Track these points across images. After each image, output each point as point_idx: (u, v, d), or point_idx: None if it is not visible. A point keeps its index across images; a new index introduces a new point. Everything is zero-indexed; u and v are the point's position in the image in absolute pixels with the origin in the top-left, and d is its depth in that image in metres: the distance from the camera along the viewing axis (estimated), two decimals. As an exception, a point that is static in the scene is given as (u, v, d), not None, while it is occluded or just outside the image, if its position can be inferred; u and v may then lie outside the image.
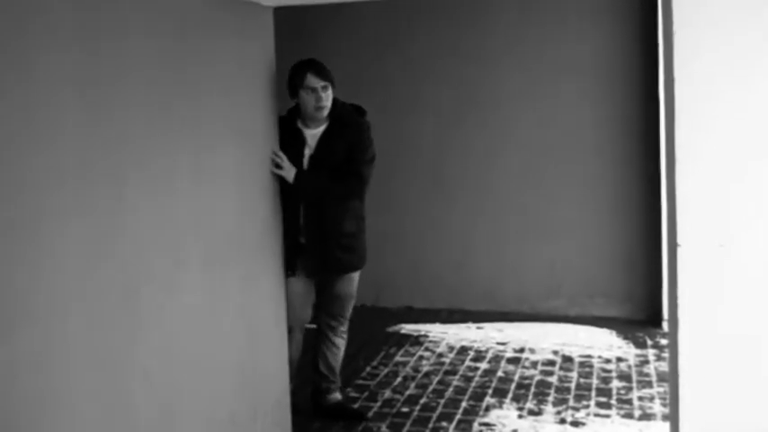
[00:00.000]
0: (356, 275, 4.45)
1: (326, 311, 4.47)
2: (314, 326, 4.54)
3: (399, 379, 5.22)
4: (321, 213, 4.23)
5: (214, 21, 3.32)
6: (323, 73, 4.14)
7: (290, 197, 4.08)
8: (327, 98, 4.15)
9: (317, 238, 4.24)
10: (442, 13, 6.70)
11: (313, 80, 4.11)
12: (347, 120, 4.26)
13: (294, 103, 4.20)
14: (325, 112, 4.18)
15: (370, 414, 4.61)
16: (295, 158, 4.09)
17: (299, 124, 4.22)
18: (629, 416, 4.54)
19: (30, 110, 2.27)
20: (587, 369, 5.32)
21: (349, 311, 4.51)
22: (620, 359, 5.50)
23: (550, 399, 4.82)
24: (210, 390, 3.26)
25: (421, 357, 5.64)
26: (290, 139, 4.10)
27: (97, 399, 2.55)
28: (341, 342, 4.52)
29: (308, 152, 4.20)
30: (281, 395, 3.98)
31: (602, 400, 4.79)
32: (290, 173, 4.03)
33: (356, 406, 4.72)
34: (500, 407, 4.72)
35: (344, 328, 4.52)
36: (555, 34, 6.50)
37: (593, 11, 6.44)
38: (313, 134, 4.22)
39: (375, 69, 6.88)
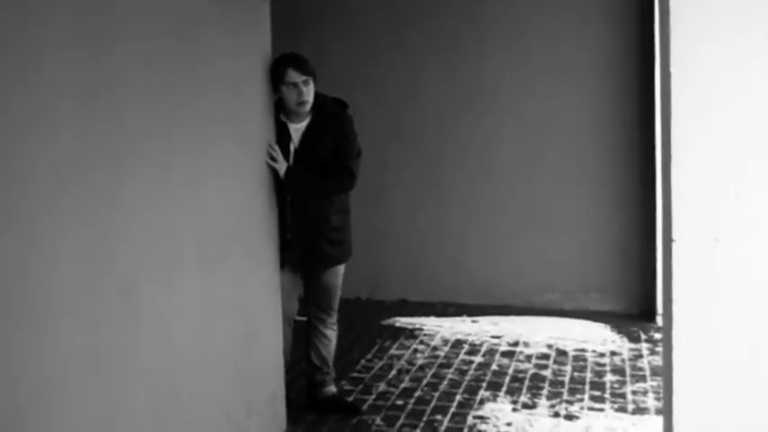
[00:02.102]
0: (342, 267, 4.47)
1: (315, 304, 4.48)
2: (304, 318, 4.55)
3: (394, 372, 5.23)
4: (308, 208, 4.25)
5: (211, 15, 3.31)
6: (304, 67, 4.10)
7: (277, 192, 4.08)
8: (309, 93, 4.12)
9: (305, 233, 4.25)
10: (440, 7, 6.69)
11: (294, 75, 4.06)
12: (330, 114, 4.24)
13: (277, 97, 4.16)
14: (308, 107, 4.16)
15: (365, 407, 4.62)
16: (282, 153, 4.09)
17: (283, 118, 4.20)
18: (622, 410, 4.56)
19: (28, 109, 2.27)
20: (581, 363, 5.33)
21: (337, 303, 4.53)
22: (614, 353, 5.52)
23: (544, 392, 4.84)
24: (206, 384, 3.26)
25: (416, 350, 5.65)
26: (276, 134, 4.09)
27: (95, 396, 2.56)
28: (332, 333, 4.53)
29: (293, 147, 4.20)
30: (277, 389, 3.99)
31: (596, 393, 4.80)
32: (281, 167, 4.03)
33: (351, 399, 4.73)
34: (494, 400, 4.73)
35: (334, 319, 4.54)
36: (553, 31, 6.50)
37: (591, 10, 6.45)
38: (296, 128, 4.22)
39: (371, 64, 6.87)
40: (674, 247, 2.36)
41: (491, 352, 5.58)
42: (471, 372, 5.20)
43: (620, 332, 5.98)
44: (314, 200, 4.25)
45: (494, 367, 5.28)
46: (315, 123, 4.23)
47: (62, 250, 2.40)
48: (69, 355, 2.43)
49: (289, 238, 4.22)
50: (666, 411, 2.53)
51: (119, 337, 2.67)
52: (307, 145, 4.20)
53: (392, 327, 6.22)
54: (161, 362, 2.92)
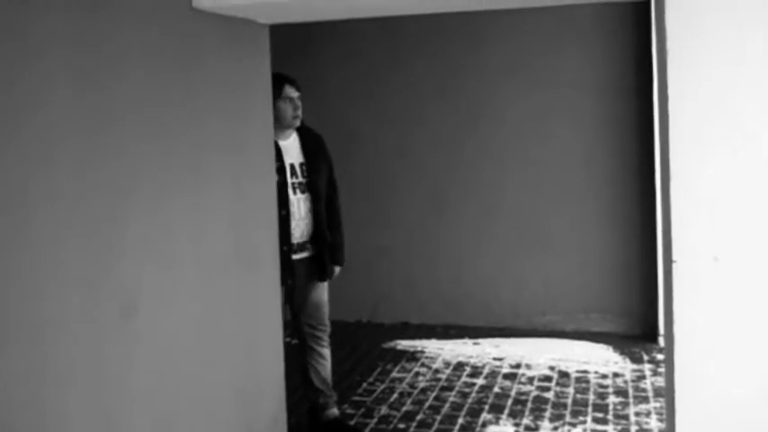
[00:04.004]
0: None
1: (309, 323, 4.52)
2: (294, 341, 4.57)
3: (396, 395, 5.21)
4: (318, 222, 4.45)
5: (209, 38, 3.33)
6: (296, 84, 4.42)
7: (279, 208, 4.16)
8: (301, 108, 4.42)
9: (318, 247, 4.45)
10: (440, 30, 6.73)
11: (291, 90, 4.35)
12: (309, 131, 4.54)
13: None
14: (299, 122, 4.43)
15: (367, 431, 4.60)
16: (277, 169, 4.20)
17: None
18: (625, 431, 4.53)
19: (24, 120, 2.28)
20: (584, 384, 5.32)
21: (328, 318, 4.63)
22: (616, 374, 5.50)
23: (547, 414, 4.82)
24: (206, 406, 3.25)
25: (417, 373, 5.63)
26: None
27: (93, 414, 2.55)
28: (327, 352, 4.58)
29: (288, 161, 4.35)
30: (278, 412, 3.97)
31: (599, 415, 4.78)
32: (336, 268, 4.54)
33: (353, 422, 4.71)
34: (497, 423, 4.71)
35: (327, 335, 4.61)
36: (552, 52, 6.54)
37: (590, 31, 6.49)
38: (285, 144, 4.37)
39: (372, 86, 6.91)
40: (675, 267, 2.36)
41: (493, 374, 5.56)
42: (473, 394, 5.18)
43: (622, 353, 5.96)
44: (321, 214, 4.46)
45: (496, 390, 5.26)
46: (304, 140, 4.48)
47: (59, 265, 2.39)
48: (67, 372, 2.42)
49: (294, 258, 4.31)
50: (669, 432, 2.51)
51: (118, 354, 2.66)
52: (312, 161, 4.44)
53: (393, 349, 6.21)
54: (160, 379, 2.91)
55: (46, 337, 2.34)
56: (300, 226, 4.36)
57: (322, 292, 4.54)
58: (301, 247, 4.39)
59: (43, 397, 2.34)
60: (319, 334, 4.54)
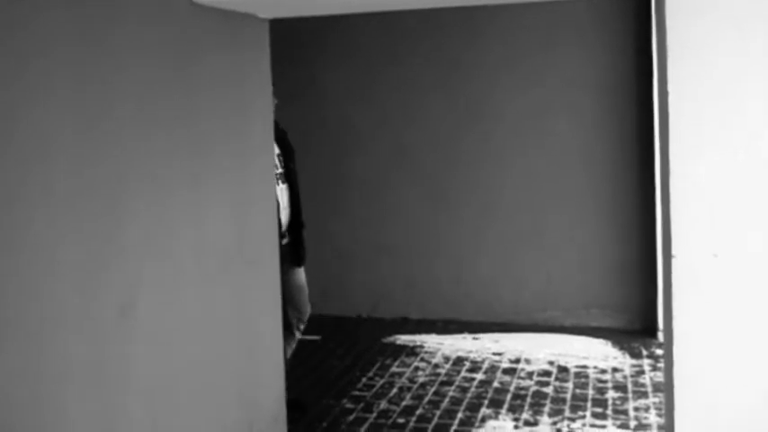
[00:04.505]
0: None
1: (295, 305, 4.68)
2: None
3: (395, 390, 5.21)
4: (297, 210, 4.67)
5: (209, 33, 3.33)
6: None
7: None
8: (275, 102, 4.54)
9: (297, 234, 4.66)
10: (439, 27, 6.72)
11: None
12: (279, 126, 4.65)
13: None
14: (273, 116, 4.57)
15: (366, 425, 4.61)
16: None
17: None
18: (624, 426, 4.54)
19: (23, 115, 2.28)
20: (583, 379, 5.32)
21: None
22: (615, 369, 5.51)
23: (546, 409, 4.82)
24: (206, 404, 3.25)
25: (417, 368, 5.64)
26: None
27: (93, 412, 2.55)
28: (299, 335, 4.76)
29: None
30: (278, 411, 3.98)
31: (598, 410, 4.79)
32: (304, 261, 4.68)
33: (351, 417, 4.72)
34: (496, 417, 4.72)
35: (306, 318, 4.78)
36: (551, 49, 6.53)
37: (589, 27, 6.48)
38: None
39: (371, 83, 6.90)
40: (674, 262, 2.36)
41: (492, 369, 5.57)
42: (473, 389, 5.19)
43: (621, 348, 5.97)
44: (298, 203, 4.68)
45: (495, 384, 5.27)
46: (275, 133, 4.58)
47: (58, 262, 2.39)
48: (66, 369, 2.42)
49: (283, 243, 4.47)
50: (668, 427, 2.52)
51: (117, 352, 2.66)
52: (285, 152, 4.59)
53: (393, 344, 6.21)
54: (159, 378, 2.91)
55: (44, 334, 2.34)
56: (284, 215, 4.51)
57: (301, 275, 4.71)
58: (282, 235, 4.53)
59: (42, 395, 2.34)
60: (304, 318, 4.72)
